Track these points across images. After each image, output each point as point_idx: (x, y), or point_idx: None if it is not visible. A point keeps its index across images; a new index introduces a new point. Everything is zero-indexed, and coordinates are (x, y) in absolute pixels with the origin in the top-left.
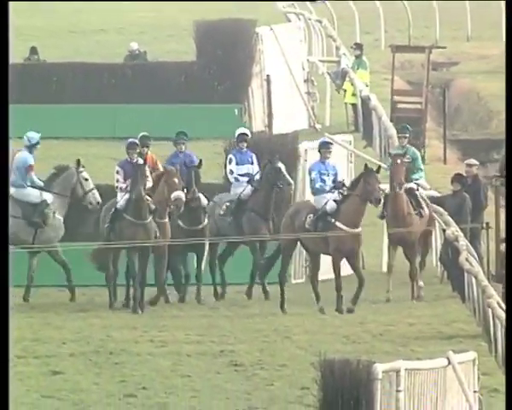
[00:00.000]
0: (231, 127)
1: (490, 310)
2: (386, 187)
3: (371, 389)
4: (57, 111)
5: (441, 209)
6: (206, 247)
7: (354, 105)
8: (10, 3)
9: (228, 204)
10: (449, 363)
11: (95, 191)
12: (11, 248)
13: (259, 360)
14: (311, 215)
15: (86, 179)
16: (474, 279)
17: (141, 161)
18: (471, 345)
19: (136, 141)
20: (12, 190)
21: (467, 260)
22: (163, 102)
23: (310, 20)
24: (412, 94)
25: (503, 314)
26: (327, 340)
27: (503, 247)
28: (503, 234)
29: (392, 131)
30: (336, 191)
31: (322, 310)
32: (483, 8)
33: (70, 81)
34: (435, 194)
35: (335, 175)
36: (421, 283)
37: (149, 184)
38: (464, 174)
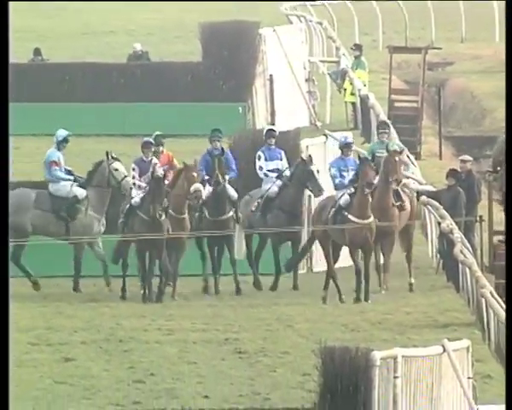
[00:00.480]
0: (236, 125)
1: (483, 300)
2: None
3: (369, 375)
4: (69, 109)
5: (437, 203)
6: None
7: (353, 103)
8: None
9: (259, 200)
10: (444, 350)
11: (127, 178)
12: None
13: (262, 348)
14: (333, 209)
15: (116, 170)
16: (468, 270)
17: (160, 172)
18: (465, 333)
19: (151, 140)
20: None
21: (461, 251)
22: (170, 101)
23: (311, 21)
24: (409, 93)
25: (495, 304)
26: (327, 328)
27: (495, 239)
28: (495, 227)
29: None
30: (352, 186)
31: (324, 299)
32: (477, 11)
33: (81, 81)
34: (431, 188)
35: (357, 170)
36: (412, 279)
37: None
38: (459, 169)
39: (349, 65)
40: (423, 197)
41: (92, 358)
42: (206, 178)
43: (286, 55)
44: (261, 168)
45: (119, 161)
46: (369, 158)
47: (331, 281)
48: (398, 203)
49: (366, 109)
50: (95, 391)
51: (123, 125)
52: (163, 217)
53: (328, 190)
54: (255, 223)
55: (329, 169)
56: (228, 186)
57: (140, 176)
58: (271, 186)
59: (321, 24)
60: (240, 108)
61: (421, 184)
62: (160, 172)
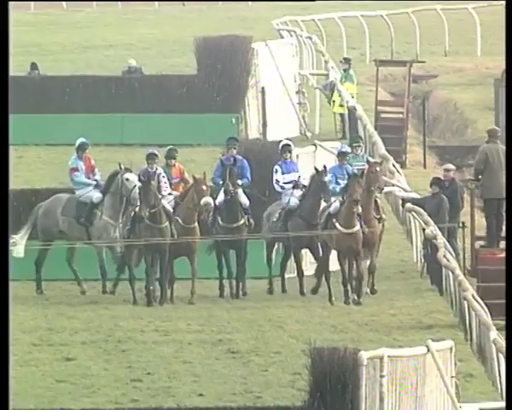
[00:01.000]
0: (229, 135)
1: (465, 302)
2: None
3: (357, 374)
4: (70, 120)
5: (421, 210)
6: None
7: (342, 114)
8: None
9: (280, 211)
10: (428, 350)
11: (136, 189)
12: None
13: (255, 348)
14: (324, 215)
15: (127, 179)
16: (451, 274)
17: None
18: (448, 334)
19: (155, 151)
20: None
21: (444, 256)
22: (167, 112)
23: (301, 36)
24: (394, 104)
25: (477, 306)
26: (316, 329)
27: (477, 244)
28: (477, 232)
29: (376, 138)
30: (342, 194)
31: (315, 290)
32: (459, 26)
33: (81, 92)
34: (416, 196)
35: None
36: (366, 289)
37: (167, 191)
38: (442, 178)
39: (338, 78)
40: (408, 204)
41: (92, 357)
42: (220, 182)
43: (277, 68)
44: (277, 182)
45: (130, 171)
46: (358, 174)
47: (324, 282)
48: (378, 216)
49: (354, 120)
50: (94, 389)
51: (121, 134)
52: (166, 224)
53: None
54: (277, 232)
55: (326, 175)
56: (240, 193)
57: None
58: (291, 198)
59: (311, 38)
60: (233, 119)
61: (406, 191)
62: (163, 181)
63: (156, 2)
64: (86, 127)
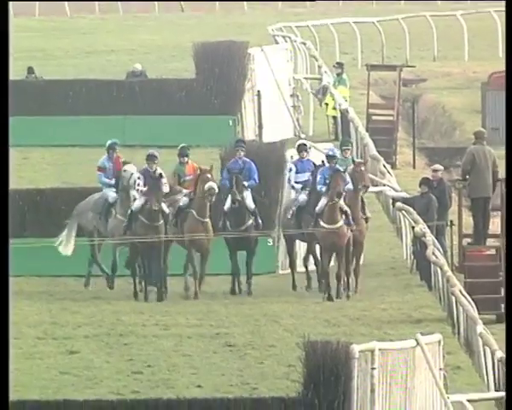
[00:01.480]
0: (226, 136)
1: (453, 297)
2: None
3: (349, 366)
4: (73, 122)
5: (411, 209)
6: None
7: (334, 117)
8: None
9: (294, 208)
10: (417, 344)
11: (132, 177)
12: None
13: (251, 341)
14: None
15: (125, 170)
16: (439, 270)
17: (159, 172)
18: (437, 328)
19: (155, 153)
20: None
21: (433, 253)
22: (166, 114)
23: (295, 42)
24: (385, 107)
25: (464, 301)
26: (310, 324)
27: (464, 241)
28: (464, 230)
29: (368, 139)
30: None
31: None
32: (448, 32)
33: (84, 96)
34: (405, 195)
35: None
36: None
37: (166, 189)
38: (431, 178)
39: (331, 82)
40: (398, 203)
41: (94, 351)
42: (228, 185)
43: (273, 73)
44: (289, 180)
45: (129, 163)
46: (342, 169)
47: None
48: (365, 216)
49: (346, 122)
50: (97, 381)
51: (123, 136)
52: (161, 222)
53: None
54: (292, 229)
55: (316, 176)
56: (246, 196)
57: (144, 185)
58: (300, 195)
59: (305, 44)
60: (230, 121)
61: (396, 191)
62: (163, 181)
63: (156, 6)
64: (89, 129)
